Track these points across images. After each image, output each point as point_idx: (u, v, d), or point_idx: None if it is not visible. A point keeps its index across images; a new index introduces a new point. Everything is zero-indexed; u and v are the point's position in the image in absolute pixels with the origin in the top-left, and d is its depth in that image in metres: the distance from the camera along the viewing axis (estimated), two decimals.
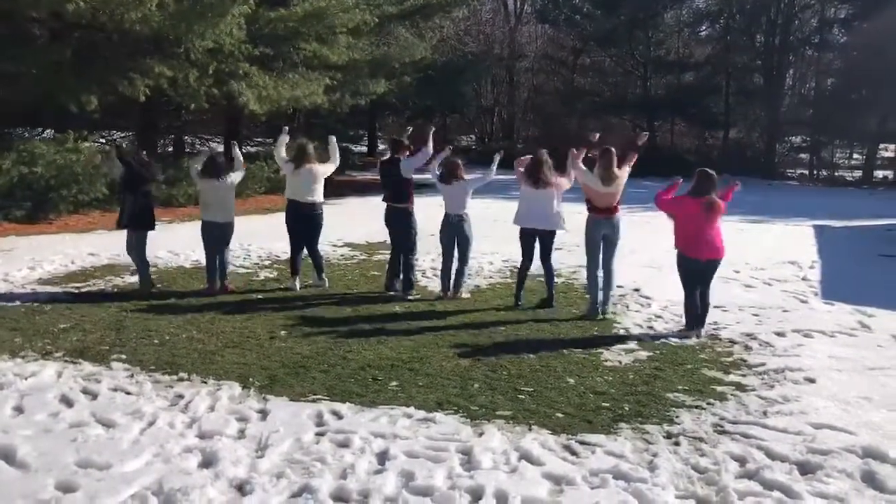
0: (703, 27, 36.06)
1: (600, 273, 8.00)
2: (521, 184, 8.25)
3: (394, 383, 5.71)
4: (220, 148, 21.15)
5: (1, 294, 8.23)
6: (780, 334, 7.35)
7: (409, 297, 8.55)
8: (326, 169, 8.88)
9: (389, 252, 9.03)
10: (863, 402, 5.49)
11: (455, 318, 7.78)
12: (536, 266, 8.30)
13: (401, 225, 8.65)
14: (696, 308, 7.29)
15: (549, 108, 35.94)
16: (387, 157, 8.84)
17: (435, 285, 9.01)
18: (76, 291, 8.52)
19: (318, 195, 8.74)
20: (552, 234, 8.23)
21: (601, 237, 7.95)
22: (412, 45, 24.53)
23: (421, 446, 4.57)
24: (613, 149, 7.97)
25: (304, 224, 8.72)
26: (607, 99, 34.52)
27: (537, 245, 8.25)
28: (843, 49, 32.58)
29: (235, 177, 8.59)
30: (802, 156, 33.90)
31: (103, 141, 19.32)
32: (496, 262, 10.63)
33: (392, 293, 8.71)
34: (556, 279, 8.56)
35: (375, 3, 20.92)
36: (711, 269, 7.24)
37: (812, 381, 5.97)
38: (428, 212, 9.68)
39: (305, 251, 8.87)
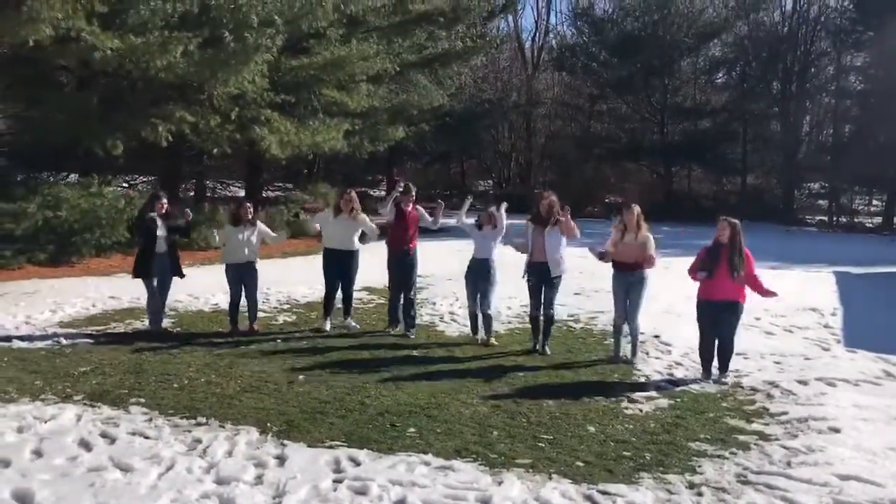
0: (720, 74, 36.33)
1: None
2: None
3: (412, 430, 5.68)
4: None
5: (23, 336, 8.30)
6: (802, 382, 7.24)
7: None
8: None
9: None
10: (890, 453, 5.38)
11: (473, 363, 7.75)
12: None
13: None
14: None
15: (566, 154, 36.15)
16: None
17: (452, 330, 9.00)
18: (97, 334, 8.58)
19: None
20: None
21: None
22: (431, 92, 24.87)
23: (439, 495, 4.52)
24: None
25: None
26: (624, 145, 34.65)
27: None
28: (861, 96, 32.66)
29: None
30: (821, 202, 33.77)
31: (126, 186, 19.59)
32: (514, 306, 10.60)
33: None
34: (574, 325, 8.51)
35: (395, 52, 21.27)
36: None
37: (837, 430, 5.87)
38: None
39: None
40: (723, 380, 7.26)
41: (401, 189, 9.03)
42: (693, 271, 7.45)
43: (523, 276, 8.30)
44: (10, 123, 18.83)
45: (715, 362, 7.42)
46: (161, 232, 8.55)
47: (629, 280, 7.89)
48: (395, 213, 9.08)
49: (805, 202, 34.12)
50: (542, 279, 8.16)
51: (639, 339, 8.15)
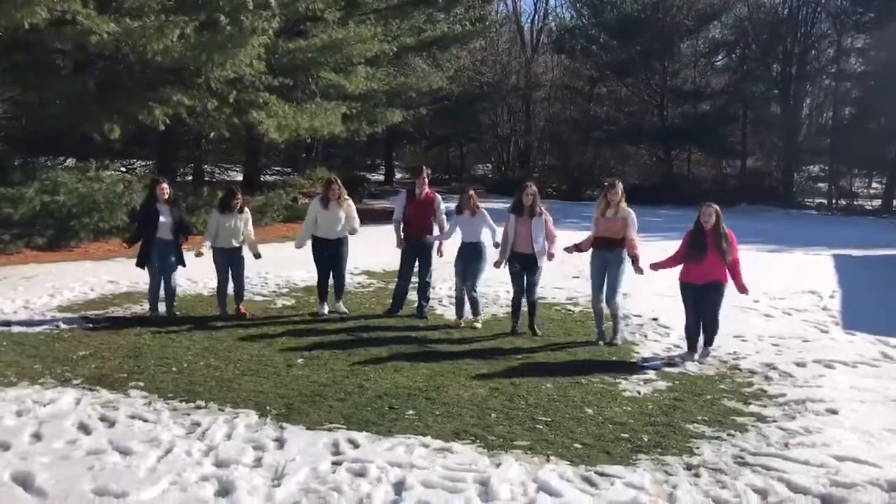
0: (720, 57, 36.16)
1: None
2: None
3: (410, 412, 5.69)
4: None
5: (22, 321, 8.30)
6: (800, 365, 7.26)
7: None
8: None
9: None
10: (887, 435, 5.39)
11: (471, 345, 7.76)
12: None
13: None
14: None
15: (566, 137, 36.08)
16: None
17: (451, 313, 9.01)
18: (95, 318, 8.58)
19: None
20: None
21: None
22: (429, 75, 24.77)
23: (438, 476, 4.53)
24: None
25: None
26: (623, 128, 34.55)
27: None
28: (861, 78, 32.55)
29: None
30: (821, 185, 33.76)
31: (124, 170, 19.55)
32: (512, 290, 10.58)
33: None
34: (572, 308, 8.53)
35: (393, 35, 21.16)
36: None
37: (834, 412, 5.89)
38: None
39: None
40: (706, 351, 7.37)
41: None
42: (675, 260, 7.51)
43: (501, 265, 8.33)
44: (7, 108, 18.74)
45: (701, 339, 7.49)
46: (164, 218, 8.52)
47: (607, 258, 7.91)
48: (405, 199, 9.06)
49: (805, 185, 34.08)
50: (525, 267, 8.22)
51: (620, 319, 8.17)
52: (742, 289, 7.39)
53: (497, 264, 8.38)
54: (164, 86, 14.47)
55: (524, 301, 8.35)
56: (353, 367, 6.82)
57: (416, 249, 9.02)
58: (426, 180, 9.06)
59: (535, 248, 8.12)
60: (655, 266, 7.74)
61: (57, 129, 14.32)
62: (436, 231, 9.02)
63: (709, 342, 7.50)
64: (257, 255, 9.08)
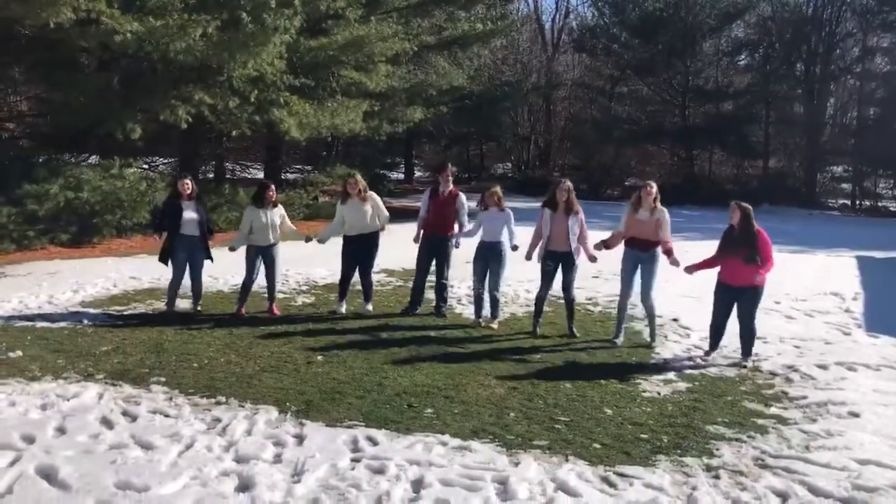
0: (742, 56, 35.89)
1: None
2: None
3: (429, 410, 5.70)
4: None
5: (46, 316, 8.40)
6: (822, 367, 7.19)
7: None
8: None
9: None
10: None
11: (490, 344, 7.76)
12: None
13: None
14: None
15: (586, 137, 35.93)
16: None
17: (470, 312, 9.02)
18: (118, 314, 8.66)
19: None
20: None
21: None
22: (450, 74, 24.75)
23: (456, 475, 4.54)
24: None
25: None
26: (645, 127, 34.37)
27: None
28: (887, 78, 32.15)
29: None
30: (844, 186, 33.40)
31: (147, 167, 19.73)
32: (532, 289, 10.57)
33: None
34: (592, 308, 8.50)
35: (414, 33, 21.17)
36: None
37: (856, 415, 5.83)
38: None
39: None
40: (743, 363, 7.23)
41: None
42: (711, 261, 7.45)
43: (532, 258, 8.27)
44: (32, 105, 19.00)
45: (737, 343, 7.40)
46: (188, 214, 8.55)
47: (640, 257, 7.85)
48: (429, 196, 9.05)
49: (828, 186, 33.76)
50: (562, 265, 8.14)
51: (656, 320, 8.12)
52: (761, 281, 7.27)
53: (528, 256, 8.33)
54: (187, 84, 14.58)
55: (546, 298, 8.30)
56: (372, 364, 6.84)
57: (434, 246, 8.99)
58: (450, 178, 9.01)
59: (570, 246, 8.05)
60: (690, 269, 7.63)
61: (81, 126, 14.46)
62: (456, 229, 9.00)
63: (746, 352, 7.32)
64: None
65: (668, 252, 7.72)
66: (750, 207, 7.22)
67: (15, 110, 19.36)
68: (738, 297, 7.27)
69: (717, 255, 7.43)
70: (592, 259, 8.16)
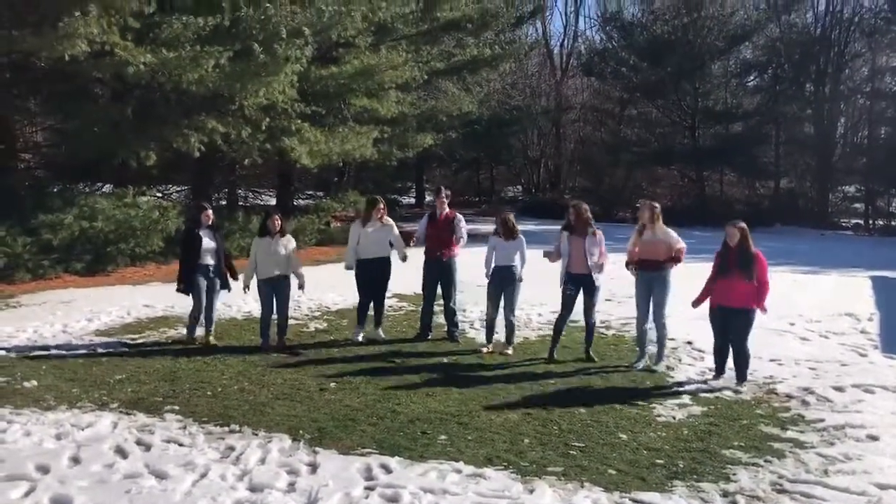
0: (751, 77, 35.89)
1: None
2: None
3: (443, 437, 5.68)
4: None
5: (60, 345, 8.45)
6: (838, 389, 7.13)
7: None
8: None
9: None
10: None
11: (504, 370, 7.74)
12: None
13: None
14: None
15: (596, 159, 35.99)
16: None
17: (482, 337, 8.99)
18: (132, 342, 8.70)
19: None
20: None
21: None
22: (459, 99, 24.91)
23: (471, 503, 4.52)
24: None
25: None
26: (654, 149, 34.33)
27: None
28: None
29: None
30: (857, 205, 33.22)
31: (160, 196, 19.89)
32: (544, 313, 10.56)
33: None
34: (605, 331, 8.47)
35: (424, 60, 21.34)
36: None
37: (875, 438, 5.77)
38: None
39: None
40: (739, 388, 7.17)
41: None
42: (708, 285, 7.47)
43: (553, 259, 8.25)
44: (47, 136, 19.23)
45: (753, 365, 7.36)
46: (208, 243, 8.55)
47: (651, 277, 7.85)
48: (427, 220, 9.12)
49: (840, 205, 33.60)
50: (583, 289, 8.11)
51: (665, 344, 8.08)
52: (762, 309, 7.27)
53: (547, 255, 8.30)
54: (199, 113, 14.75)
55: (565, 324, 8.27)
56: (384, 391, 6.83)
57: (437, 270, 9.02)
58: (445, 201, 9.07)
59: (590, 269, 8.03)
60: (696, 303, 7.63)
61: (95, 156, 14.63)
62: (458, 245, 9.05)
63: (740, 376, 7.29)
64: (300, 285, 8.76)
65: (678, 257, 7.80)
66: (747, 228, 7.23)
67: (31, 141, 19.59)
68: (730, 319, 7.25)
69: (714, 278, 7.40)
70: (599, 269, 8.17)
